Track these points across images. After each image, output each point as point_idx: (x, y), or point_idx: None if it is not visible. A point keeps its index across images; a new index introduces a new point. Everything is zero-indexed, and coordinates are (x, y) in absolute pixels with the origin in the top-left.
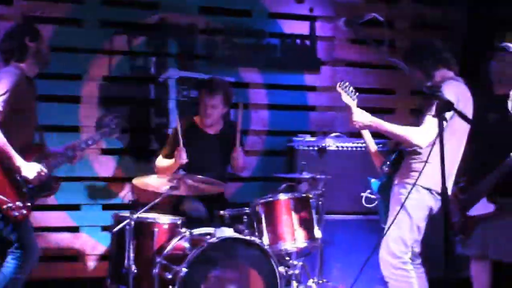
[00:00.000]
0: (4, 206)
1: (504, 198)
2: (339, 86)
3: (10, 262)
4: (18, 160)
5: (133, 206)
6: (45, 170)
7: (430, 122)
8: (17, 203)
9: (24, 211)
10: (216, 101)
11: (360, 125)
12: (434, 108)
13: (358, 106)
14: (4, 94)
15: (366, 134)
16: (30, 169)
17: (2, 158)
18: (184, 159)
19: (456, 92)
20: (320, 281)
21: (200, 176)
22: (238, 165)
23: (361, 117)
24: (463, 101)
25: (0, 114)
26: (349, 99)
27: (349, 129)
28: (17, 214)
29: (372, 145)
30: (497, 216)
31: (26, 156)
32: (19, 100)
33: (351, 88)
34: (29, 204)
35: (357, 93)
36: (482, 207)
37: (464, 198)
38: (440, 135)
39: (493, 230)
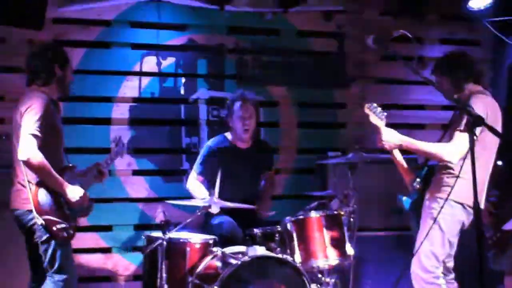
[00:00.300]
0: (54, 228)
1: None
2: (367, 108)
3: (48, 286)
4: (63, 184)
5: (165, 226)
6: (87, 193)
7: (460, 137)
8: (65, 223)
9: (72, 232)
10: (251, 110)
11: (390, 145)
12: (463, 123)
13: (387, 124)
14: (38, 120)
15: (395, 152)
16: (74, 192)
17: (47, 181)
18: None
19: (485, 106)
20: None
21: (229, 204)
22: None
23: (390, 137)
24: (492, 115)
25: (38, 139)
26: (377, 119)
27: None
28: (66, 235)
29: (401, 162)
30: None
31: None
32: (50, 123)
33: (379, 109)
34: (74, 225)
35: (385, 113)
36: None
37: (498, 212)
38: (471, 150)
39: None
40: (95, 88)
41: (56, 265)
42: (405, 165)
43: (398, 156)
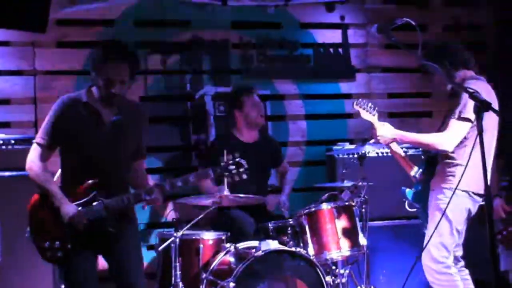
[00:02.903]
0: (38, 246)
1: None
2: (356, 104)
3: None
4: (57, 200)
5: (177, 224)
6: (81, 214)
7: (454, 125)
8: (57, 242)
9: (59, 254)
10: (259, 99)
11: (385, 140)
12: (457, 111)
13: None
14: (45, 126)
15: (393, 145)
16: (65, 211)
17: (46, 193)
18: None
19: (479, 90)
20: None
21: (240, 195)
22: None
23: (384, 131)
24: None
25: (42, 148)
26: (368, 115)
27: None
28: (49, 255)
29: (401, 154)
30: None
31: (77, 195)
32: (66, 129)
33: (369, 104)
34: (69, 246)
35: (376, 108)
36: None
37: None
38: (480, 136)
39: None
40: None
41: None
42: (404, 156)
43: (396, 149)
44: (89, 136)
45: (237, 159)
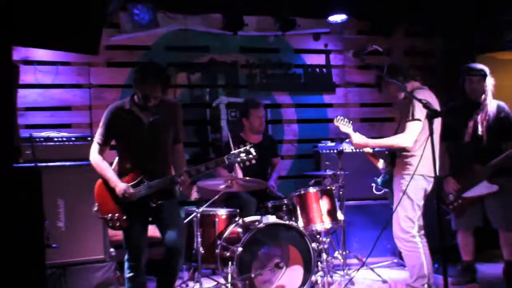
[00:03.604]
0: (101, 216)
1: (503, 178)
2: (336, 121)
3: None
4: (112, 182)
5: (198, 203)
6: (131, 191)
7: (410, 126)
8: (116, 215)
9: (118, 223)
10: (263, 110)
11: (359, 146)
12: (410, 114)
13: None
14: (99, 128)
15: (365, 149)
16: (119, 189)
17: (105, 178)
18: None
19: (425, 97)
20: (344, 253)
21: (248, 178)
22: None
23: (359, 139)
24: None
25: (98, 145)
26: (346, 128)
27: None
28: (111, 224)
29: (371, 154)
30: (498, 194)
31: (130, 179)
32: (116, 131)
33: (346, 119)
34: (124, 217)
35: (351, 122)
36: (484, 188)
37: (463, 185)
38: (431, 134)
39: (496, 204)
40: None
41: (124, 246)
42: (373, 155)
43: (367, 150)
44: (133, 136)
45: (247, 147)
